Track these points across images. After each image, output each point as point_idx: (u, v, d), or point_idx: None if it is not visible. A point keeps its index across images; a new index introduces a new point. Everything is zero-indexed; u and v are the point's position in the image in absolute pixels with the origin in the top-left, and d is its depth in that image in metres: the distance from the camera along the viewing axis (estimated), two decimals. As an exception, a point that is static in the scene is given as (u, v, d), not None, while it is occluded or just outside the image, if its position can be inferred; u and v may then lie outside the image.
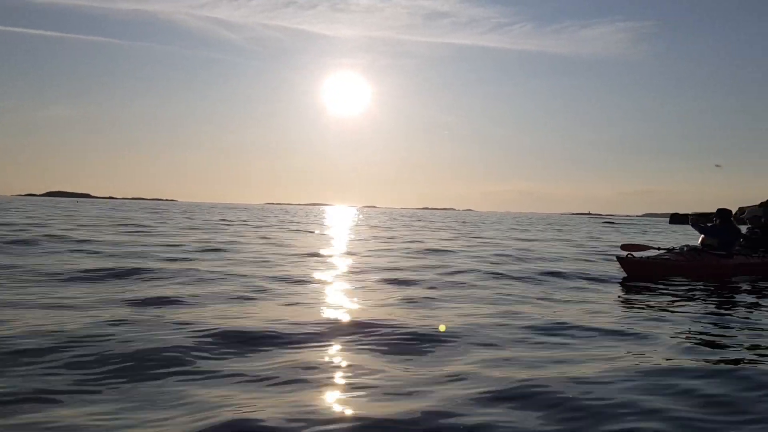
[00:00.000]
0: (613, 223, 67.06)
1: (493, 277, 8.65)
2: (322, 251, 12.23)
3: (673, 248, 10.40)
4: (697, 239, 10.16)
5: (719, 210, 10.80)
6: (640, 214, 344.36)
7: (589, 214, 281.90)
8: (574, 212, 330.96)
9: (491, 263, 10.86)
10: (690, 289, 7.91)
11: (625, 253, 9.67)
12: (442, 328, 3.86)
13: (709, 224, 10.44)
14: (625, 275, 9.32)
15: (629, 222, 77.82)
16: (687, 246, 10.18)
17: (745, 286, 8.49)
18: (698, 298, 7.19)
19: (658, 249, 11.07)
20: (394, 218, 51.91)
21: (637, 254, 9.67)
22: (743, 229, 10.83)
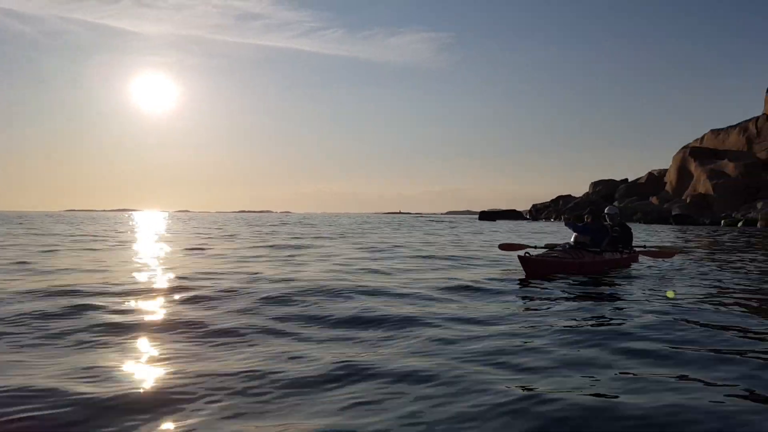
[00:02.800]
0: (433, 221, 71.61)
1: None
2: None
3: (553, 246, 11.06)
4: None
5: (590, 209, 11.76)
6: (444, 211, 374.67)
7: (399, 212, 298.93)
8: (386, 211, 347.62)
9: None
10: (594, 284, 8.33)
11: (523, 251, 9.95)
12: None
13: (580, 223, 11.32)
14: (525, 274, 9.56)
15: (440, 219, 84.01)
16: (568, 244, 10.86)
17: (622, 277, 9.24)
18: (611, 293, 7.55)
19: (535, 247, 11.70)
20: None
21: (533, 253, 10.06)
22: None
